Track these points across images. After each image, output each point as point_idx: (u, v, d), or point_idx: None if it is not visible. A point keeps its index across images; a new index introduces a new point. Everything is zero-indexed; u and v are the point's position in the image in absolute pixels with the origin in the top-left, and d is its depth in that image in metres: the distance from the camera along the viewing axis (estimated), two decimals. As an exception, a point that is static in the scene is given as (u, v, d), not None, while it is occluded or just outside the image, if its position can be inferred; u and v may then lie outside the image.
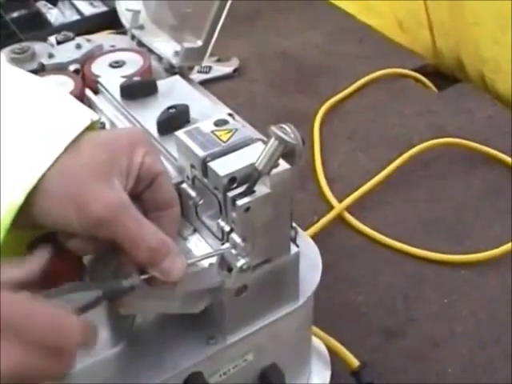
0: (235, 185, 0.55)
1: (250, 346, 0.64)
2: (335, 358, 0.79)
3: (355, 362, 0.79)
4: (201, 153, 0.56)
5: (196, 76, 1.33)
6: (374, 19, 1.48)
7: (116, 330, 0.61)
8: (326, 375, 0.77)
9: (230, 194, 0.54)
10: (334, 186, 1.08)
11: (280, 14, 1.51)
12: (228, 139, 0.57)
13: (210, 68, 1.34)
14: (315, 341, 0.80)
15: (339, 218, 1.03)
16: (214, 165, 0.55)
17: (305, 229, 0.99)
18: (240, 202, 0.53)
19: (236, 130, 0.58)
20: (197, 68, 1.34)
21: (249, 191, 0.54)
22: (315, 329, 0.81)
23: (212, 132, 0.58)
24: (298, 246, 0.64)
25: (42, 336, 0.45)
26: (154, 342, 0.62)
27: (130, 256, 0.52)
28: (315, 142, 1.16)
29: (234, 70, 1.35)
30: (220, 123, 0.59)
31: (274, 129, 0.52)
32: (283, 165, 0.54)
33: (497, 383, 0.81)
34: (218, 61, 1.36)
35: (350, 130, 1.20)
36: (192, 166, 0.58)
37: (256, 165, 0.53)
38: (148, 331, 0.63)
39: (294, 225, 0.70)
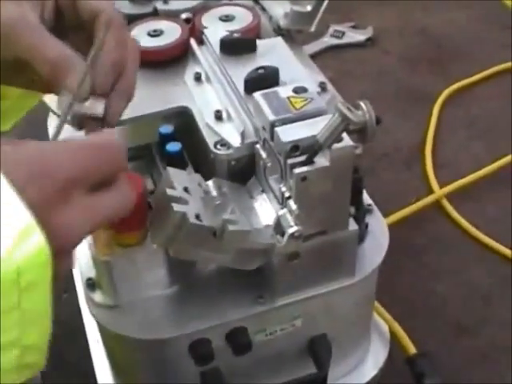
0: (298, 153, 0.55)
1: (298, 312, 0.65)
2: (393, 342, 0.79)
3: (412, 349, 0.78)
4: (271, 116, 0.57)
5: (328, 39, 1.33)
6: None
7: (173, 272, 0.64)
8: (382, 357, 0.77)
9: (290, 160, 0.55)
10: (441, 171, 1.06)
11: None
12: (301, 107, 0.57)
13: (343, 33, 1.33)
14: (380, 321, 0.80)
15: (437, 204, 1.01)
16: (280, 130, 0.56)
17: (399, 209, 0.98)
18: (297, 170, 0.54)
19: (312, 99, 0.58)
20: (330, 31, 1.35)
21: (308, 161, 0.54)
22: (380, 309, 0.81)
23: (288, 98, 0.58)
24: (364, 225, 0.64)
25: None
26: (208, 290, 0.64)
27: (38, 74, 0.50)
28: (431, 124, 1.13)
29: (367, 39, 1.33)
30: (299, 90, 0.59)
31: (339, 105, 0.52)
32: (346, 141, 0.54)
33: None
34: (354, 27, 1.35)
35: (471, 116, 1.17)
36: (263, 128, 0.59)
37: (317, 137, 0.53)
38: (204, 280, 0.65)
39: (370, 203, 0.70)
